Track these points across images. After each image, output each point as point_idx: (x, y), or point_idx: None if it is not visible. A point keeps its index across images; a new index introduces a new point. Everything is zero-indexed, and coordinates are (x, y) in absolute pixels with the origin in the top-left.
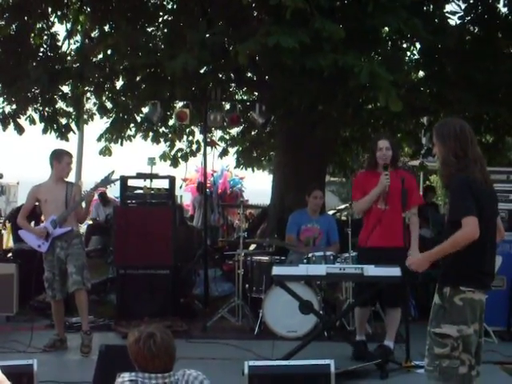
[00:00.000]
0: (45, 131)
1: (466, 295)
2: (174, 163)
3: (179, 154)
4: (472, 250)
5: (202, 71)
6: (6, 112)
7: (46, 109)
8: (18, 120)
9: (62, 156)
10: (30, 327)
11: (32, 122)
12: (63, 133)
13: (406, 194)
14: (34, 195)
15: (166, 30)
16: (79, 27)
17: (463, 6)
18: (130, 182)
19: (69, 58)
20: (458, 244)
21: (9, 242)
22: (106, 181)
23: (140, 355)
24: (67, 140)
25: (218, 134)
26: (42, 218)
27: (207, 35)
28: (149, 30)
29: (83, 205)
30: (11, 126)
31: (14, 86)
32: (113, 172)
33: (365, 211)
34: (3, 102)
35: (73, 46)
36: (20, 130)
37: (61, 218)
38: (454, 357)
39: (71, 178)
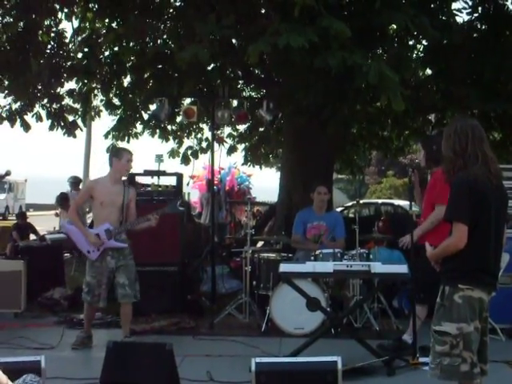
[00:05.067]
0: (51, 128)
1: (465, 293)
2: (185, 161)
3: (189, 152)
4: (473, 248)
5: (210, 68)
6: (13, 109)
7: (54, 105)
8: (25, 117)
9: (122, 153)
10: (37, 323)
11: (39, 118)
12: (70, 129)
13: (412, 190)
14: (88, 191)
15: (173, 24)
16: (87, 24)
17: (470, 3)
18: (138, 179)
19: (73, 53)
20: (447, 251)
21: None
22: (175, 208)
23: None
24: (74, 136)
25: (226, 130)
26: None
27: (216, 28)
28: (156, 25)
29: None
30: (18, 123)
31: (17, 80)
32: (181, 200)
33: None
34: (6, 97)
35: (78, 42)
36: (26, 127)
37: (116, 233)
38: (455, 355)
39: (79, 175)
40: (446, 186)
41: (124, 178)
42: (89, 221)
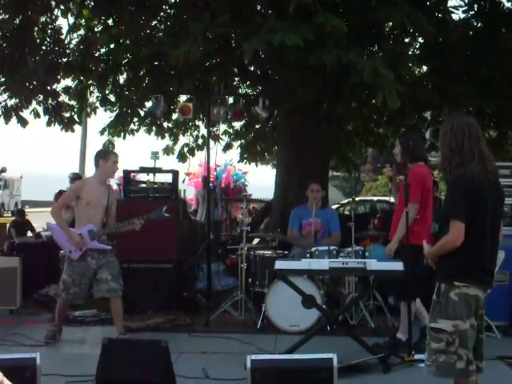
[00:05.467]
0: (49, 124)
1: (461, 290)
2: (182, 158)
3: (186, 149)
4: (469, 245)
5: (206, 65)
6: (9, 105)
7: (50, 101)
8: (22, 113)
9: (109, 155)
10: (33, 320)
11: (36, 115)
12: (67, 124)
13: (408, 187)
14: (76, 191)
15: (168, 23)
16: (82, 21)
17: (466, 1)
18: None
19: (68, 50)
20: (444, 249)
21: None
22: (160, 214)
23: None
24: (72, 131)
25: (222, 127)
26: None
27: (211, 26)
28: (152, 23)
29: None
30: (14, 119)
31: (13, 77)
32: (168, 209)
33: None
34: (4, 93)
35: (76, 40)
36: (23, 122)
37: (100, 235)
38: (451, 352)
39: (75, 171)
40: (417, 184)
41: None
42: None
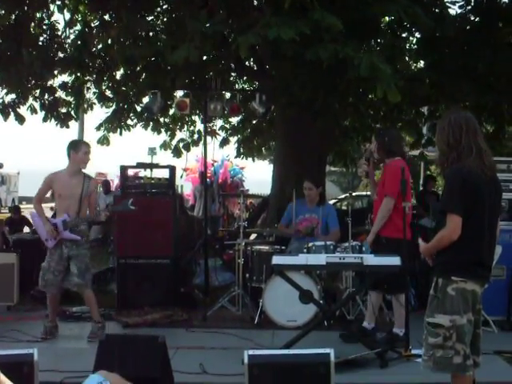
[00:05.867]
0: (45, 119)
1: (458, 285)
2: (177, 153)
3: (181, 145)
4: (466, 240)
5: (203, 59)
6: (6, 102)
7: (46, 96)
8: (19, 110)
9: (80, 145)
10: (30, 317)
11: (33, 111)
12: (63, 120)
13: (405, 184)
14: (49, 184)
15: (165, 20)
16: (79, 17)
17: None
18: (131, 172)
19: (67, 45)
20: (441, 244)
21: None
22: (126, 206)
23: None
24: (68, 127)
25: (219, 123)
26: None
27: (208, 25)
28: (149, 18)
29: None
30: (11, 116)
31: (8, 71)
32: (133, 201)
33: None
34: (3, 90)
35: (73, 35)
36: (21, 119)
37: (72, 224)
38: (448, 347)
39: None
40: (394, 178)
41: (84, 170)
42: None
